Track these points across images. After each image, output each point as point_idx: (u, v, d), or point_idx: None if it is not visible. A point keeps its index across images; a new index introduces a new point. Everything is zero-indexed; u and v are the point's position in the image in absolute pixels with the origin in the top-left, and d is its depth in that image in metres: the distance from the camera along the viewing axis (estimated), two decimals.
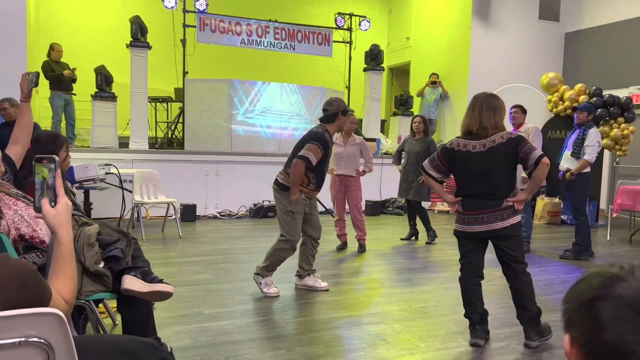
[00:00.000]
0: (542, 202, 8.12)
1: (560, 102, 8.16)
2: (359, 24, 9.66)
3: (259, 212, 7.77)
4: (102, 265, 2.33)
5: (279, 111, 8.66)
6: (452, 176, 3.13)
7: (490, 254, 3.16)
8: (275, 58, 10.56)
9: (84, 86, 8.18)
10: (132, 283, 2.25)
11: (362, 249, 5.62)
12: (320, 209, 7.99)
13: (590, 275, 0.73)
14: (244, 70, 10.21)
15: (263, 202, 7.94)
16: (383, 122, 10.53)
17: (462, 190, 3.02)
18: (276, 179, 3.94)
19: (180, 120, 8.54)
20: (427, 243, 6.11)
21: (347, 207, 5.69)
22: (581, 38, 10.16)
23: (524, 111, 5.43)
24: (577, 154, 5.42)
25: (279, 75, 10.27)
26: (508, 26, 10.02)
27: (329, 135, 3.86)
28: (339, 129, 4.02)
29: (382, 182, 8.79)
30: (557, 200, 8.09)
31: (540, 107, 8.52)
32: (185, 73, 8.35)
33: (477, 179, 2.93)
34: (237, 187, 7.92)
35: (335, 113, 3.92)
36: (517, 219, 2.93)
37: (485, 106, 2.92)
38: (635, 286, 0.67)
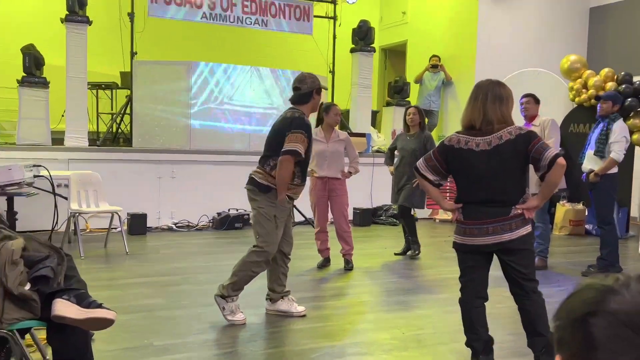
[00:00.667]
0: (563, 209, 8.27)
1: (583, 90, 8.33)
2: None
3: (224, 223, 7.78)
4: (28, 287, 2.34)
5: (249, 100, 8.67)
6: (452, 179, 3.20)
7: (495, 271, 3.23)
8: (244, 36, 10.57)
9: (9, 70, 8.09)
10: (64, 309, 2.27)
11: (348, 266, 5.68)
12: (298, 218, 8.02)
13: (583, 289, 0.78)
14: (205, 51, 10.19)
15: (229, 210, 7.94)
16: (374, 114, 10.61)
17: (463, 195, 3.09)
18: (252, 178, 3.95)
19: (128, 111, 8.50)
20: (411, 257, 6.25)
21: (330, 216, 5.75)
22: (609, 14, 10.39)
23: (537, 101, 5.54)
24: (601, 152, 5.55)
25: (248, 57, 10.28)
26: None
27: (307, 118, 3.92)
28: (313, 111, 4.07)
29: (373, 186, 8.86)
30: (580, 206, 8.25)
31: (561, 95, 8.69)
32: (133, 54, 8.32)
33: (480, 183, 3.00)
34: (197, 193, 7.91)
35: (310, 92, 3.97)
36: (527, 229, 3.00)
37: (490, 96, 2.98)
38: (630, 300, 0.72)
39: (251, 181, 3.96)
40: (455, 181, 3.15)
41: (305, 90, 3.96)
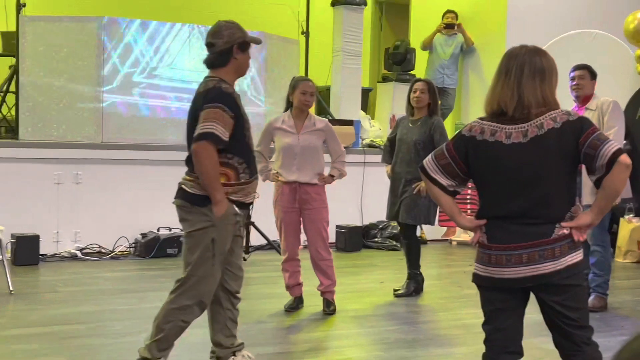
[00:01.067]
0: (629, 227, 8.38)
1: None
2: None
3: (152, 249, 7.71)
4: None
5: (188, 73, 8.61)
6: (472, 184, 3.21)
7: (533, 313, 3.24)
8: None
9: None
10: None
11: (329, 308, 5.69)
12: (258, 240, 7.97)
13: (638, 336, 0.78)
14: (125, 3, 10.12)
15: (158, 230, 7.89)
16: (366, 93, 10.62)
17: (488, 207, 3.10)
18: (180, 188, 3.94)
19: (12, 88, 8.40)
20: (395, 293, 6.29)
21: (304, 237, 5.73)
22: None
23: (593, 76, 5.60)
24: None
25: (187, 11, 10.22)
26: None
27: (230, 86, 3.88)
28: (239, 75, 4.04)
29: (365, 194, 8.85)
30: None
31: (624, 67, 8.79)
32: (20, 6, 8.23)
33: (511, 190, 3.01)
34: (113, 206, 7.84)
35: (228, 49, 3.90)
36: (577, 257, 3.01)
37: (528, 69, 3.01)
38: None
39: (180, 193, 3.93)
40: (477, 188, 3.16)
41: (222, 46, 3.90)
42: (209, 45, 3.95)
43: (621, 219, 8.37)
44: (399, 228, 6.87)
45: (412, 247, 6.35)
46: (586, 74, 5.60)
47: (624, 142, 5.69)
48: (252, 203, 4.07)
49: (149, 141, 8.29)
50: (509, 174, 3.01)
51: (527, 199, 3.00)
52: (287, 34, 9.97)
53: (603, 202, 3.01)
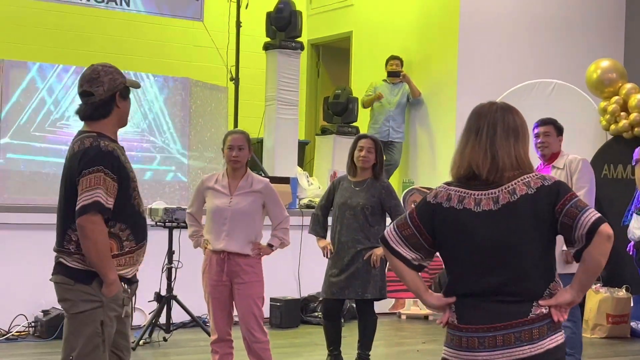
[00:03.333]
0: (597, 298, 8.43)
1: (622, 114, 8.67)
2: None
3: (55, 329, 7.44)
4: None
5: None
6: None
7: None
8: (97, 26, 10.49)
9: None
10: None
11: None
12: (180, 316, 7.82)
13: None
14: (29, 44, 10.03)
15: None
16: (303, 147, 10.66)
17: (458, 283, 3.08)
18: (59, 262, 3.84)
19: None
20: None
21: (235, 313, 5.65)
22: None
23: (559, 131, 5.72)
24: None
25: (100, 54, 10.16)
26: None
27: (110, 141, 3.77)
28: (121, 126, 3.94)
29: (303, 262, 8.79)
30: (622, 293, 8.45)
31: (588, 121, 9.01)
32: None
33: (483, 264, 3.01)
34: (9, 278, 7.61)
35: (110, 97, 3.81)
36: (558, 339, 3.00)
37: (501, 128, 3.03)
38: None
39: (59, 267, 3.83)
40: (445, 261, 3.15)
41: (102, 95, 3.80)
42: (86, 94, 3.82)
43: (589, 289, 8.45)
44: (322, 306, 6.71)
45: (369, 325, 6.30)
46: (552, 130, 5.70)
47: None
48: (135, 277, 3.95)
49: (50, 202, 8.08)
50: (479, 245, 3.01)
51: (500, 274, 2.99)
52: (214, 80, 9.99)
53: (584, 277, 3.02)
